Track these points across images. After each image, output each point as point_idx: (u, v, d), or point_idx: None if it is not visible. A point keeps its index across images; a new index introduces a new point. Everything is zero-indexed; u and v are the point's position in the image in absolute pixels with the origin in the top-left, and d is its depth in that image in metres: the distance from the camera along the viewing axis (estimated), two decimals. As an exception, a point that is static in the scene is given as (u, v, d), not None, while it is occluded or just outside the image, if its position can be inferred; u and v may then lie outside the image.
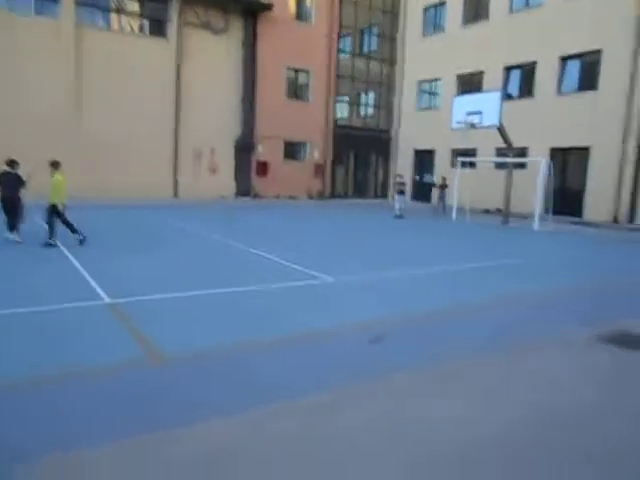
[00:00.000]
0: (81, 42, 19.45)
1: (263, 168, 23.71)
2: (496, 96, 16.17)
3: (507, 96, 22.50)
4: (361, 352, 4.37)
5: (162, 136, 21.40)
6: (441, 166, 24.25)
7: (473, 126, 16.63)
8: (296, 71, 24.72)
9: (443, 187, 20.03)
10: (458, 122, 17.03)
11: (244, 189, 23.43)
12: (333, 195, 26.31)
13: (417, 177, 25.76)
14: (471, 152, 22.86)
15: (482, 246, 11.69)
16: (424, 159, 25.91)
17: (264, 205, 20.57)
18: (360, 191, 27.78)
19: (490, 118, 16.05)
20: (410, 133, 26.42)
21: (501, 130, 16.44)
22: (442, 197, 19.84)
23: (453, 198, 18.68)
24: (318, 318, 5.30)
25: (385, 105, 28.37)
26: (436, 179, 22.38)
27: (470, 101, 16.98)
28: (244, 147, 23.12)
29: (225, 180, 23.06)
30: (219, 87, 22.47)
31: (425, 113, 25.78)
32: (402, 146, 27.17)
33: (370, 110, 28.78)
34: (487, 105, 16.21)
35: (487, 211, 21.16)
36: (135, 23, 20.97)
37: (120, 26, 20.63)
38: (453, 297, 6.48)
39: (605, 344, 4.88)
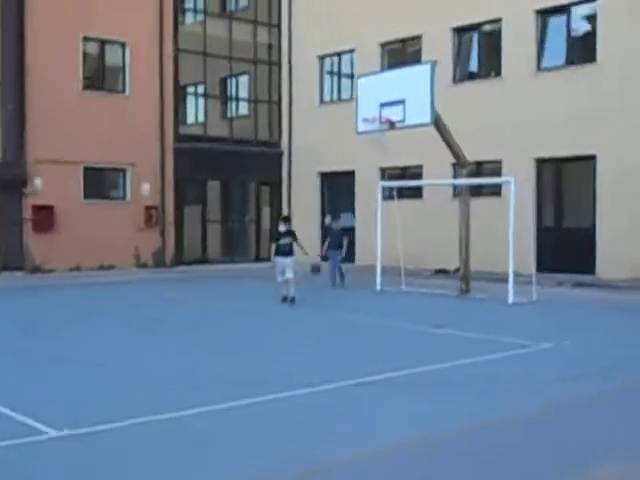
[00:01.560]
0: None
1: (45, 218, 22.89)
2: (425, 71, 16.30)
3: (470, 75, 22.83)
4: None
5: None
6: (366, 197, 23.87)
7: (392, 126, 16.76)
8: (102, 43, 24.57)
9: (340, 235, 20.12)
10: (366, 120, 17.12)
11: (12, 258, 22.68)
12: (180, 260, 26.01)
13: (328, 220, 25.08)
14: (413, 171, 23.08)
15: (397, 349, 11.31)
16: (338, 187, 26.21)
17: (49, 286, 20.05)
18: (233, 250, 27.88)
19: (419, 111, 16.06)
20: (311, 144, 26.54)
21: (440, 130, 16.62)
22: (333, 254, 19.83)
23: (376, 252, 18.59)
24: None
25: (269, 99, 28.58)
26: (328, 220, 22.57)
27: (385, 82, 17.26)
28: (8, 182, 22.53)
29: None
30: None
31: (334, 109, 26.10)
32: (298, 167, 27.35)
33: (243, 107, 28.91)
34: (413, 89, 16.25)
35: (442, 271, 21.51)
36: None
37: None
38: (283, 456, 6.03)
39: None
